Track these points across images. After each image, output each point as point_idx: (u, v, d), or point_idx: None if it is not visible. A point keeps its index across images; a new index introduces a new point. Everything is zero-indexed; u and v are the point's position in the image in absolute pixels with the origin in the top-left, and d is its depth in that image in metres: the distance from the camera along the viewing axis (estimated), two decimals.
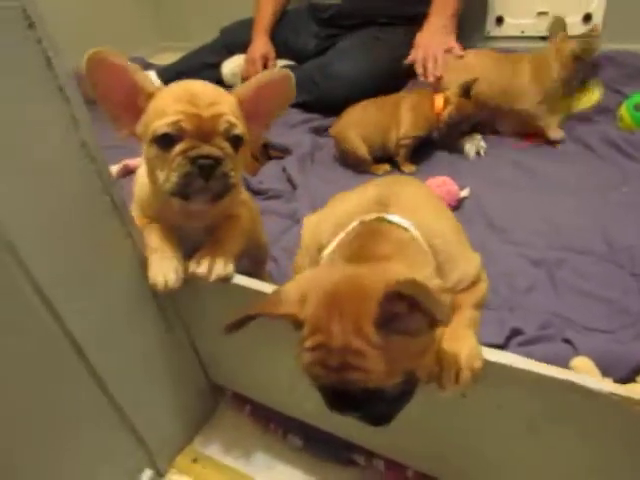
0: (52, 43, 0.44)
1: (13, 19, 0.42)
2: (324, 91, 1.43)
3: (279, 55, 1.75)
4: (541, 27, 1.64)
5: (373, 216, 0.50)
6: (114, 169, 1.28)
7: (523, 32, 1.64)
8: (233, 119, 0.53)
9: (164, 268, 0.55)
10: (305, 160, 1.28)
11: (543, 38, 1.62)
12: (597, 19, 1.57)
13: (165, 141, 0.51)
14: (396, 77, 1.52)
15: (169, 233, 0.59)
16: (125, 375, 0.58)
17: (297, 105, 1.51)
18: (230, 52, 1.76)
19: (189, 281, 0.57)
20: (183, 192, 0.52)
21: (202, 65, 1.79)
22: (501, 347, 0.76)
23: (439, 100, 1.23)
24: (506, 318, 0.80)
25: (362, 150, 1.23)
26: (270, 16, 1.72)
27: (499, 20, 1.68)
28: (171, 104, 0.50)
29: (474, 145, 1.25)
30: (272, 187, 1.18)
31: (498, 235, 0.98)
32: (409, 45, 1.52)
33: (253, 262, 0.80)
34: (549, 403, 0.43)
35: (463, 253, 0.56)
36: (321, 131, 1.43)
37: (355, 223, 0.50)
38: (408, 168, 1.24)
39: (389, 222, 0.49)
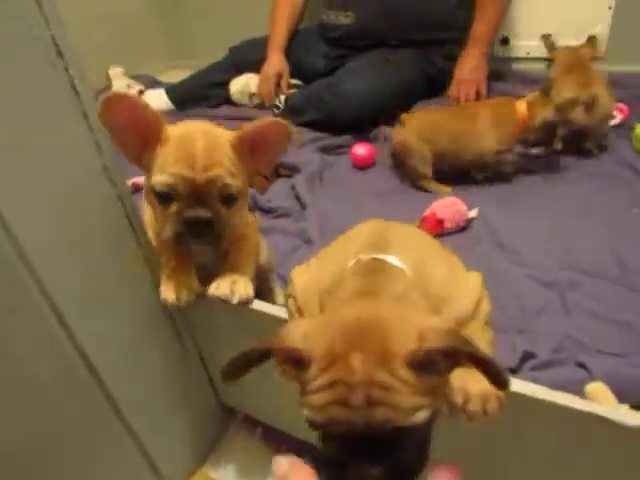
0: (78, 71, 0.45)
1: (44, 47, 0.43)
2: (333, 110, 1.45)
3: (290, 75, 1.77)
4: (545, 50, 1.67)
5: (370, 256, 0.48)
6: None
7: (528, 53, 1.67)
8: (228, 180, 0.54)
9: (176, 284, 0.56)
10: (314, 179, 1.29)
11: (548, 59, 1.65)
12: (601, 41, 1.60)
13: (162, 197, 0.53)
14: (405, 97, 1.54)
15: (181, 250, 0.60)
16: (139, 397, 0.58)
17: (306, 124, 1.53)
18: (238, 71, 1.79)
19: (202, 302, 0.57)
20: (178, 241, 0.55)
21: (210, 84, 1.82)
22: (514, 371, 0.76)
23: (521, 106, 1.12)
24: (518, 341, 0.79)
25: (425, 165, 1.17)
26: (285, 33, 1.74)
27: (504, 41, 1.70)
28: (171, 163, 0.52)
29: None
30: (281, 205, 1.18)
31: (507, 256, 0.98)
32: (418, 67, 1.54)
33: (258, 281, 0.81)
34: (570, 433, 0.43)
35: (459, 290, 0.53)
36: (330, 149, 1.44)
37: (352, 262, 0.49)
38: (444, 189, 1.17)
39: (386, 263, 0.48)
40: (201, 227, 0.53)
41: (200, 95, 1.82)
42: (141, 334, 0.58)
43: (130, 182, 1.32)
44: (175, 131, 0.54)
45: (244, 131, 0.56)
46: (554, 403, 0.40)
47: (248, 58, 1.78)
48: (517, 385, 0.43)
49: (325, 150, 1.43)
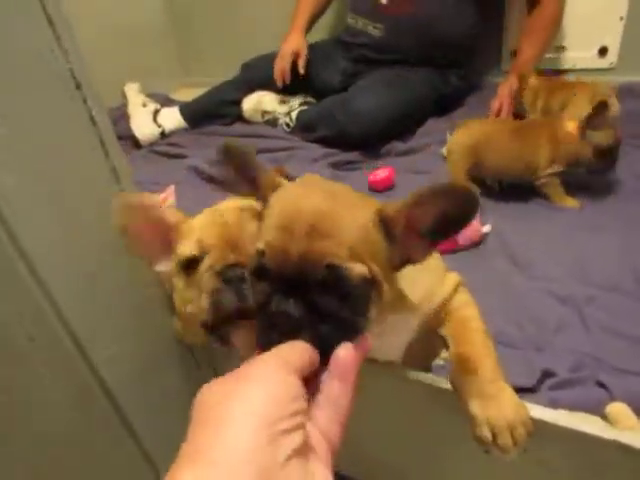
0: (96, 102, 0.46)
1: (64, 81, 0.44)
2: (344, 127, 1.46)
3: (302, 89, 1.78)
4: (557, 61, 1.66)
5: None
6: None
7: (540, 67, 1.66)
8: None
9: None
10: None
11: (558, 71, 1.64)
12: (613, 52, 1.59)
13: (190, 264, 0.49)
14: (416, 115, 1.55)
15: None
16: (155, 421, 0.58)
17: (317, 140, 1.54)
18: (250, 88, 1.80)
19: None
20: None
21: (223, 102, 1.84)
22: (532, 390, 0.74)
23: (572, 125, 1.10)
24: (535, 358, 0.78)
25: (460, 174, 1.18)
26: (308, 15, 1.77)
27: (514, 55, 1.70)
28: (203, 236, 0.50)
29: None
30: None
31: (522, 271, 0.97)
32: (431, 85, 1.56)
33: None
34: (591, 460, 0.42)
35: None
36: (341, 165, 1.45)
37: None
38: (571, 202, 1.13)
39: None
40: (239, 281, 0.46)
41: (213, 113, 1.84)
42: (157, 357, 0.58)
43: None
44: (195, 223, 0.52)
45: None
46: (575, 430, 0.39)
47: (260, 75, 1.80)
48: (537, 411, 0.42)
49: (336, 166, 1.43)
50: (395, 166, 1.36)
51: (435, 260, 0.53)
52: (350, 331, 0.37)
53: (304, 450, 0.30)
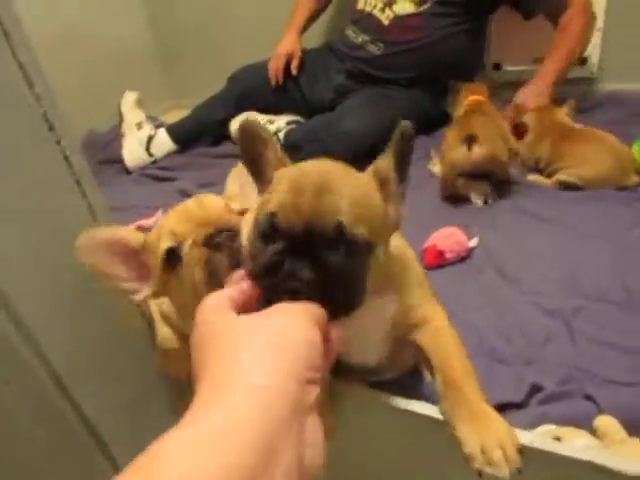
0: (70, 142, 0.47)
1: (36, 124, 0.45)
2: (330, 148, 1.47)
3: (293, 103, 1.79)
4: None
5: None
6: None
7: (520, 78, 1.69)
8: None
9: None
10: None
11: None
12: (593, 61, 1.62)
13: (171, 257, 0.48)
14: None
15: None
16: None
17: (304, 159, 1.55)
18: (238, 102, 1.81)
19: None
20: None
21: (211, 122, 1.85)
22: (521, 405, 0.74)
23: None
24: (524, 373, 0.78)
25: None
26: (305, 16, 1.79)
27: (496, 67, 1.73)
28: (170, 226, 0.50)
29: (482, 193, 1.26)
30: None
31: (510, 284, 0.97)
32: (419, 106, 1.58)
33: None
34: None
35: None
36: None
37: None
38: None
39: None
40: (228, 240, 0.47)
41: (202, 134, 1.85)
42: (141, 391, 0.58)
43: (136, 224, 1.34)
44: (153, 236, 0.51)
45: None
46: (550, 452, 0.40)
47: (247, 86, 1.81)
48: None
49: None
50: None
51: (416, 269, 0.56)
52: (355, 292, 0.40)
53: (318, 407, 0.30)
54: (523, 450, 0.40)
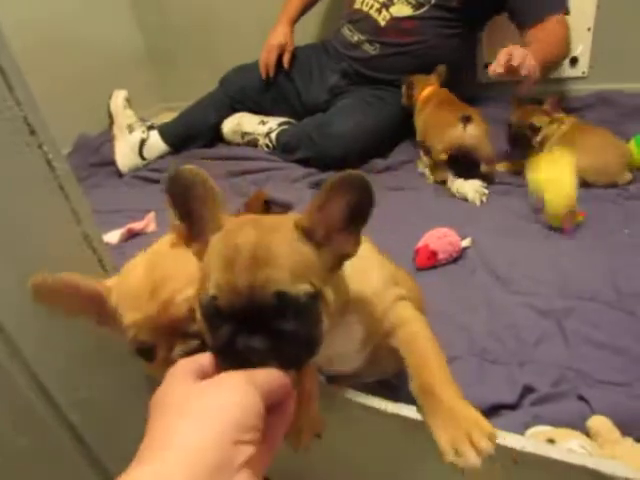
0: (53, 146, 0.46)
1: (17, 128, 0.44)
2: (322, 149, 1.47)
3: (285, 107, 1.77)
4: None
5: None
6: (118, 233, 1.31)
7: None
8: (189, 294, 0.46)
9: None
10: None
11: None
12: (583, 61, 1.62)
13: (143, 353, 0.47)
14: (394, 134, 1.57)
15: None
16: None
17: (298, 161, 1.55)
18: (231, 104, 1.80)
19: None
20: None
21: (203, 124, 1.83)
22: (514, 406, 0.74)
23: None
24: (516, 374, 0.78)
25: None
26: (299, 6, 1.75)
27: (487, 66, 1.73)
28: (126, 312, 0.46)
29: (477, 192, 1.26)
30: None
31: (502, 285, 0.97)
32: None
33: None
34: None
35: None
36: (321, 185, 1.45)
37: None
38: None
39: None
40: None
41: (194, 136, 1.83)
42: (129, 398, 0.57)
43: (125, 228, 1.33)
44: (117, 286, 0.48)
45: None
46: (542, 456, 0.39)
47: (241, 87, 1.79)
48: (504, 439, 0.42)
49: (317, 186, 1.44)
50: (375, 184, 1.36)
51: (375, 274, 0.55)
52: (311, 345, 0.40)
53: (252, 464, 0.32)
54: (494, 436, 0.41)
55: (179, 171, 0.41)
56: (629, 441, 0.64)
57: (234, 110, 1.81)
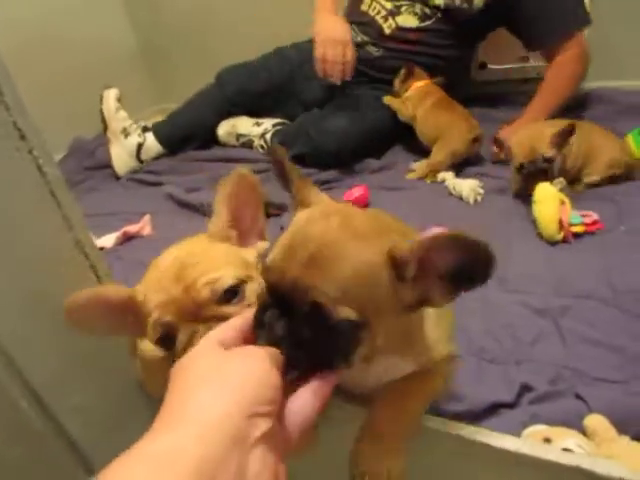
0: (43, 151, 0.46)
1: (7, 133, 0.44)
2: (317, 144, 1.47)
3: (284, 108, 1.75)
4: (522, 71, 1.70)
5: None
6: (113, 236, 1.30)
7: (504, 77, 1.70)
8: (212, 278, 0.46)
9: None
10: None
11: (526, 80, 1.67)
12: None
13: (165, 341, 0.46)
14: (390, 133, 1.57)
15: None
16: None
17: (292, 158, 1.55)
18: (230, 109, 1.78)
19: None
20: None
21: (201, 127, 1.81)
22: (512, 405, 0.74)
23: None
24: (514, 373, 0.78)
25: None
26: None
27: (482, 66, 1.74)
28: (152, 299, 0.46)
29: (473, 191, 1.26)
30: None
31: (498, 284, 0.97)
32: None
33: None
34: None
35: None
36: (317, 185, 1.45)
37: None
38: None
39: None
40: None
41: (192, 139, 1.81)
42: (124, 405, 0.57)
43: (121, 231, 1.33)
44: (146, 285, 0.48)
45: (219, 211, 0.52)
46: (537, 457, 0.39)
47: (240, 89, 1.74)
48: (500, 441, 0.42)
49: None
50: (369, 184, 1.37)
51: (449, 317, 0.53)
52: (325, 364, 0.38)
53: (269, 439, 0.31)
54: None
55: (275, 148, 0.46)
56: (626, 439, 0.64)
57: (230, 112, 1.79)
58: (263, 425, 0.31)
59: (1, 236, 0.45)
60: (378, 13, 1.58)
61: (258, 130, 1.71)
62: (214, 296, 0.45)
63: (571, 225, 1.04)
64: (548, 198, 1.06)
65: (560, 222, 1.04)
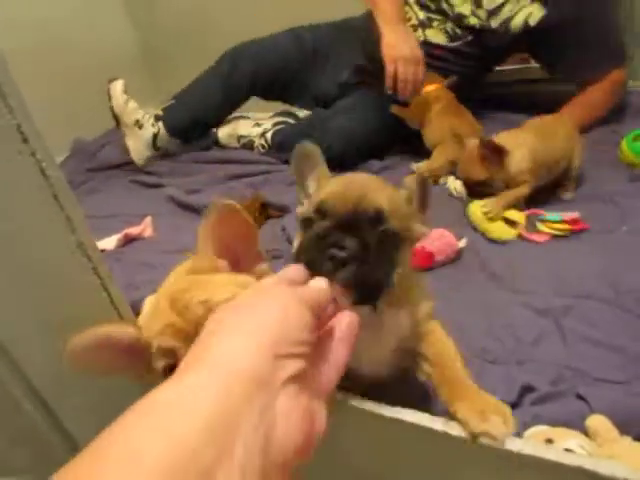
0: (46, 154, 0.46)
1: (9, 136, 0.44)
2: (320, 143, 1.46)
3: (299, 95, 1.73)
4: (526, 72, 1.69)
5: None
6: (115, 238, 1.30)
7: (509, 77, 1.70)
8: (207, 296, 0.44)
9: None
10: None
11: (529, 81, 1.67)
12: None
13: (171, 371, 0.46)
14: (394, 134, 1.55)
15: None
16: None
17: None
18: (250, 91, 1.71)
19: None
20: None
21: (212, 112, 1.75)
22: (514, 406, 0.74)
23: None
24: (515, 373, 0.78)
25: None
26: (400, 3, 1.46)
27: None
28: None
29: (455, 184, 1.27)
30: (272, 247, 1.19)
31: (500, 285, 0.97)
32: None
33: None
34: None
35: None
36: None
37: None
38: None
39: None
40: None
41: (203, 124, 1.76)
42: (128, 405, 0.57)
43: (123, 233, 1.33)
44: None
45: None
46: (540, 458, 0.39)
47: (263, 70, 1.65)
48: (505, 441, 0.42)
49: None
50: None
51: (423, 284, 0.63)
52: (382, 276, 0.47)
53: (302, 380, 0.30)
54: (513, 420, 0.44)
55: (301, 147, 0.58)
56: (628, 440, 0.64)
57: (238, 98, 1.72)
58: (292, 366, 0.30)
59: (3, 239, 0.45)
60: (409, 20, 1.53)
61: (258, 130, 1.71)
62: (209, 312, 0.45)
63: (544, 222, 1.07)
64: (478, 221, 1.13)
65: (507, 220, 1.09)
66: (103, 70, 2.33)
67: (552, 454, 0.39)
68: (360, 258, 0.41)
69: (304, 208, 0.52)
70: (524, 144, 1.10)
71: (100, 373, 0.47)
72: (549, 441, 0.63)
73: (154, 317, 0.45)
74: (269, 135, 1.67)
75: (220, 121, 1.79)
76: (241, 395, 0.26)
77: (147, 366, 0.46)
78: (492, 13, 1.40)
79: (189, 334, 0.43)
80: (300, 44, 1.67)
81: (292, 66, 1.67)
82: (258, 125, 1.73)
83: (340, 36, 1.68)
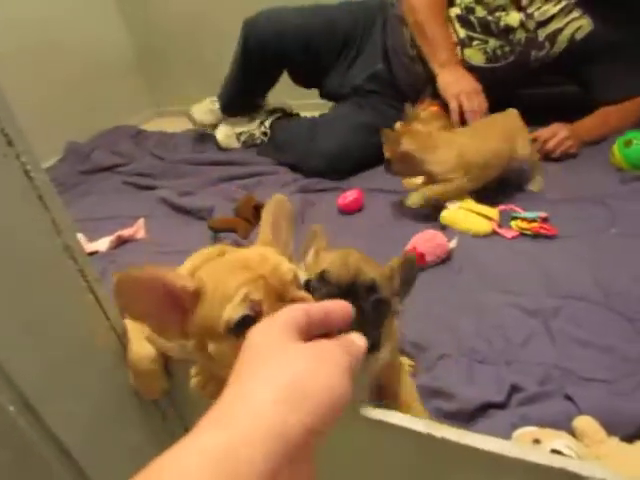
0: (31, 156, 0.46)
1: None
2: (305, 163, 1.49)
3: (311, 78, 1.71)
4: None
5: None
6: (107, 240, 1.30)
7: None
8: (292, 266, 0.47)
9: None
10: (296, 220, 1.30)
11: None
12: None
13: (239, 325, 0.43)
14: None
15: None
16: (114, 476, 0.57)
17: (286, 164, 1.56)
18: (258, 64, 1.66)
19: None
20: None
21: (252, 93, 1.76)
22: (502, 406, 0.74)
23: None
24: (504, 373, 0.79)
25: None
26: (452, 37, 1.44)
27: None
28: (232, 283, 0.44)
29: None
30: None
31: (490, 285, 0.97)
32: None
33: None
34: None
35: None
36: (310, 189, 1.46)
37: None
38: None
39: None
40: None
41: (253, 103, 1.79)
42: (117, 411, 0.57)
43: (115, 235, 1.33)
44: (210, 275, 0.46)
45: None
46: (523, 460, 0.39)
47: (315, 34, 1.57)
48: (486, 443, 0.42)
49: (306, 190, 1.44)
50: (365, 186, 1.37)
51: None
52: (378, 336, 0.53)
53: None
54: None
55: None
56: (615, 440, 0.65)
57: (265, 70, 1.66)
58: (317, 441, 0.30)
59: None
60: None
61: (255, 122, 1.74)
62: (296, 280, 0.47)
63: (521, 219, 1.10)
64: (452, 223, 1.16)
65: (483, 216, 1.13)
66: (99, 73, 2.34)
67: (534, 455, 0.39)
68: (358, 322, 0.42)
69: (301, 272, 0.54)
70: (454, 145, 1.17)
71: (133, 315, 0.46)
72: (537, 442, 0.64)
73: (243, 266, 0.45)
74: (267, 123, 1.71)
75: (267, 90, 1.75)
76: (276, 462, 0.27)
77: (182, 324, 0.46)
78: (541, 24, 1.37)
79: (277, 292, 0.44)
80: (333, 30, 1.60)
81: (314, 51, 1.61)
82: (253, 119, 1.76)
83: (369, 30, 1.60)
